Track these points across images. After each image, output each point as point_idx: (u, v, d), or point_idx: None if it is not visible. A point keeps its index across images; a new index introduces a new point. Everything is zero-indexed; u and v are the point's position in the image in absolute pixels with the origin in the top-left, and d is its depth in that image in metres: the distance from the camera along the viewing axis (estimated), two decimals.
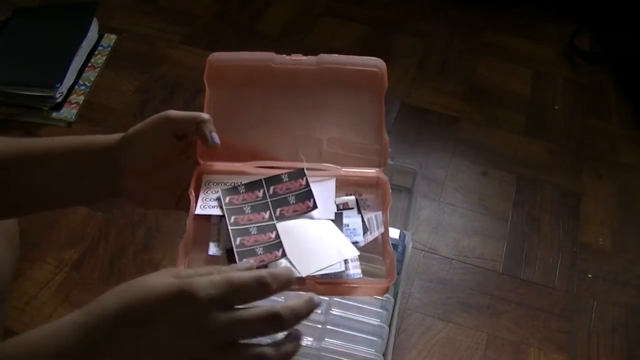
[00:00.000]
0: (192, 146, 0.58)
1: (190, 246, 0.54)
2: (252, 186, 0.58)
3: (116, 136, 0.56)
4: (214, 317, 0.41)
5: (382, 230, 0.57)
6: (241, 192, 0.58)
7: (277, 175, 0.59)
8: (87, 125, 1.21)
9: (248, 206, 0.57)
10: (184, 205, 0.57)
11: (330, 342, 0.80)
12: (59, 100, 1.22)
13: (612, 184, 1.20)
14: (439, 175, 1.18)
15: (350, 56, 0.62)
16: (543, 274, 1.04)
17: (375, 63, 0.61)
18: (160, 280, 0.42)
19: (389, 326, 0.84)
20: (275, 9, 1.50)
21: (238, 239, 0.54)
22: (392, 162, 1.04)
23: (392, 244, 0.90)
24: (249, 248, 0.53)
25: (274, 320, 0.42)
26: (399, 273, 0.90)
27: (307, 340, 0.80)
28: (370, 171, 0.60)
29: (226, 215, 0.55)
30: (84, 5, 1.39)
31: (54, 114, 1.21)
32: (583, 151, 1.25)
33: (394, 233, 0.93)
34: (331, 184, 0.60)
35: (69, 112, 1.22)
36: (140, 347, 0.40)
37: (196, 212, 0.55)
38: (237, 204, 0.57)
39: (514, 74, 1.40)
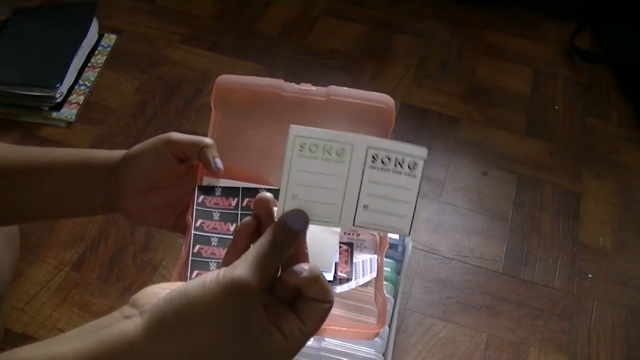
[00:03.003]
0: (193, 169, 0.58)
1: (183, 272, 0.52)
2: (228, 192, 0.56)
3: (118, 153, 0.55)
4: None
5: (374, 274, 0.55)
6: (216, 194, 0.56)
7: (256, 188, 0.57)
8: (87, 125, 1.21)
9: (218, 212, 0.55)
10: (182, 226, 0.56)
11: (330, 342, 0.80)
12: (59, 100, 1.22)
13: (612, 184, 1.20)
14: (439, 175, 1.18)
15: (360, 90, 0.61)
16: (543, 274, 1.04)
17: (383, 100, 0.60)
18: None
19: (389, 326, 0.84)
20: (275, 9, 1.50)
21: (197, 246, 0.52)
22: None
23: (392, 244, 0.91)
24: (203, 260, 0.51)
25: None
26: (399, 273, 0.90)
27: None
28: None
29: (193, 217, 0.54)
30: (84, 5, 1.39)
31: (54, 114, 1.21)
32: (583, 151, 1.25)
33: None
34: (335, 239, 0.56)
35: (69, 112, 1.22)
36: None
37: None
38: (208, 207, 0.55)
39: (514, 74, 1.40)
